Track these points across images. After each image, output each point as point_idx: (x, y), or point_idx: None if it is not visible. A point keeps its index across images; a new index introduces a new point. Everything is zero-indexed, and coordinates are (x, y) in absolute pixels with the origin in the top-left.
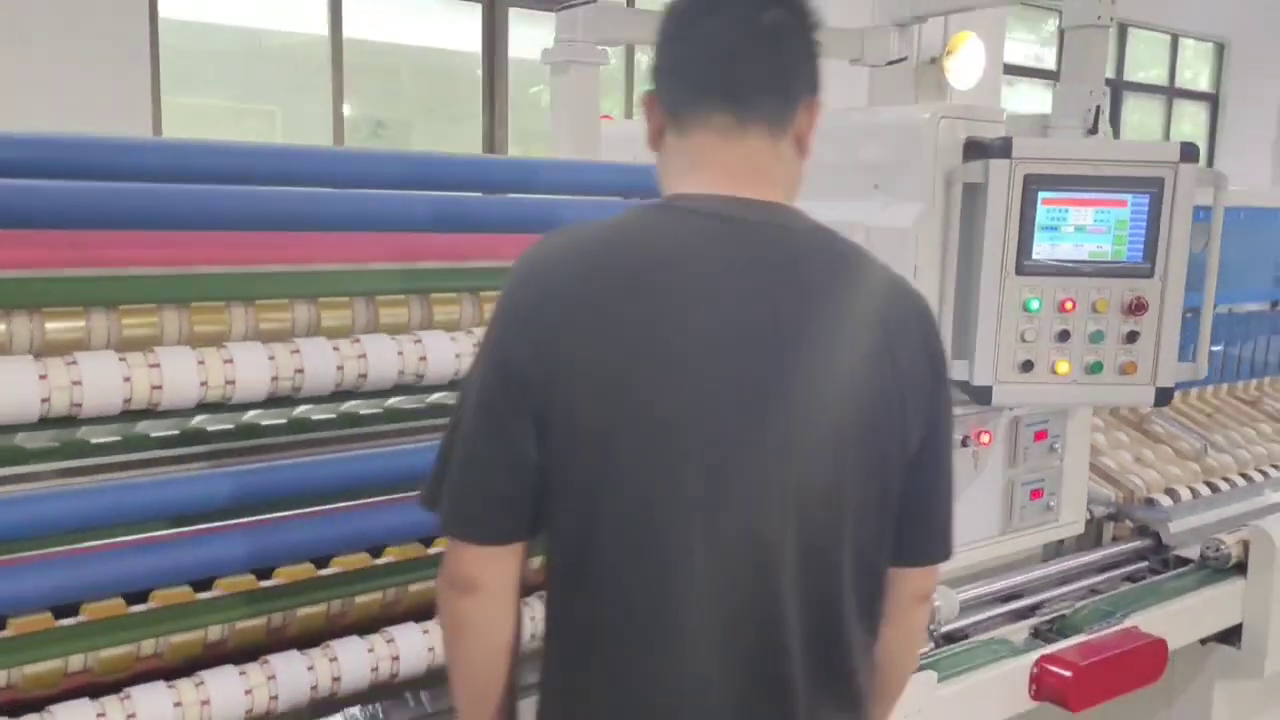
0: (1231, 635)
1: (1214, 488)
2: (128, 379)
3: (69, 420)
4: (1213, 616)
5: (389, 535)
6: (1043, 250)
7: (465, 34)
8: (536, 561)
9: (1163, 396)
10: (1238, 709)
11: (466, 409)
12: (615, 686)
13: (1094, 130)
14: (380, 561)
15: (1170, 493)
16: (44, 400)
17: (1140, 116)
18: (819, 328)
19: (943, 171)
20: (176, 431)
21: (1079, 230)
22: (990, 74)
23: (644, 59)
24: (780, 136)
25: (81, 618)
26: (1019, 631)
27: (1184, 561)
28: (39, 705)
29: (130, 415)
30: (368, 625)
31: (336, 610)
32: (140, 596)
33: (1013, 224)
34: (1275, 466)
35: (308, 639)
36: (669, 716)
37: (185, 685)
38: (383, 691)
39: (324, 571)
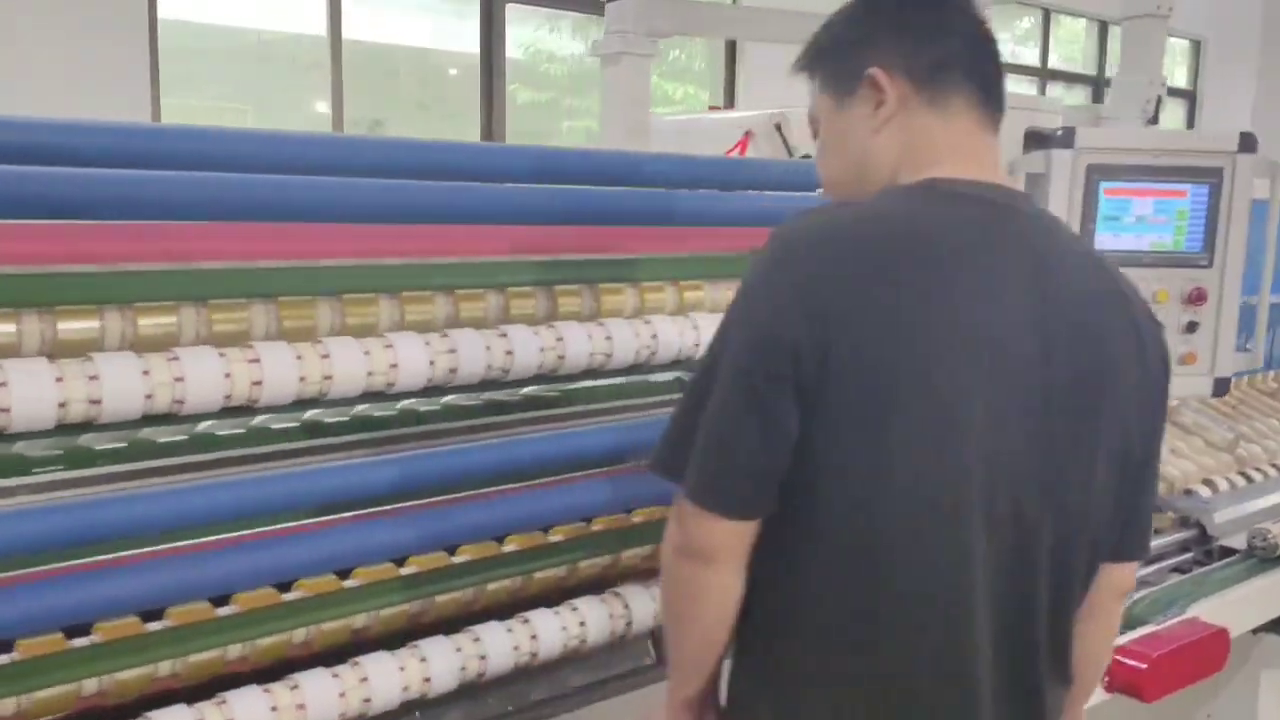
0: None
1: (1248, 478)
2: (304, 377)
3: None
4: (1264, 606)
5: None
6: (1105, 241)
7: (457, 32)
8: None
9: (1220, 387)
10: None
11: (718, 381)
12: (890, 669)
13: (1154, 120)
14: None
15: (1208, 483)
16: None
17: None
18: (1088, 320)
19: (1004, 162)
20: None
21: (1140, 221)
22: None
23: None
24: (999, 127)
25: (235, 608)
26: None
27: (1230, 552)
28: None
29: (301, 404)
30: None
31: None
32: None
33: (1075, 214)
34: None
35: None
36: (935, 699)
37: (346, 672)
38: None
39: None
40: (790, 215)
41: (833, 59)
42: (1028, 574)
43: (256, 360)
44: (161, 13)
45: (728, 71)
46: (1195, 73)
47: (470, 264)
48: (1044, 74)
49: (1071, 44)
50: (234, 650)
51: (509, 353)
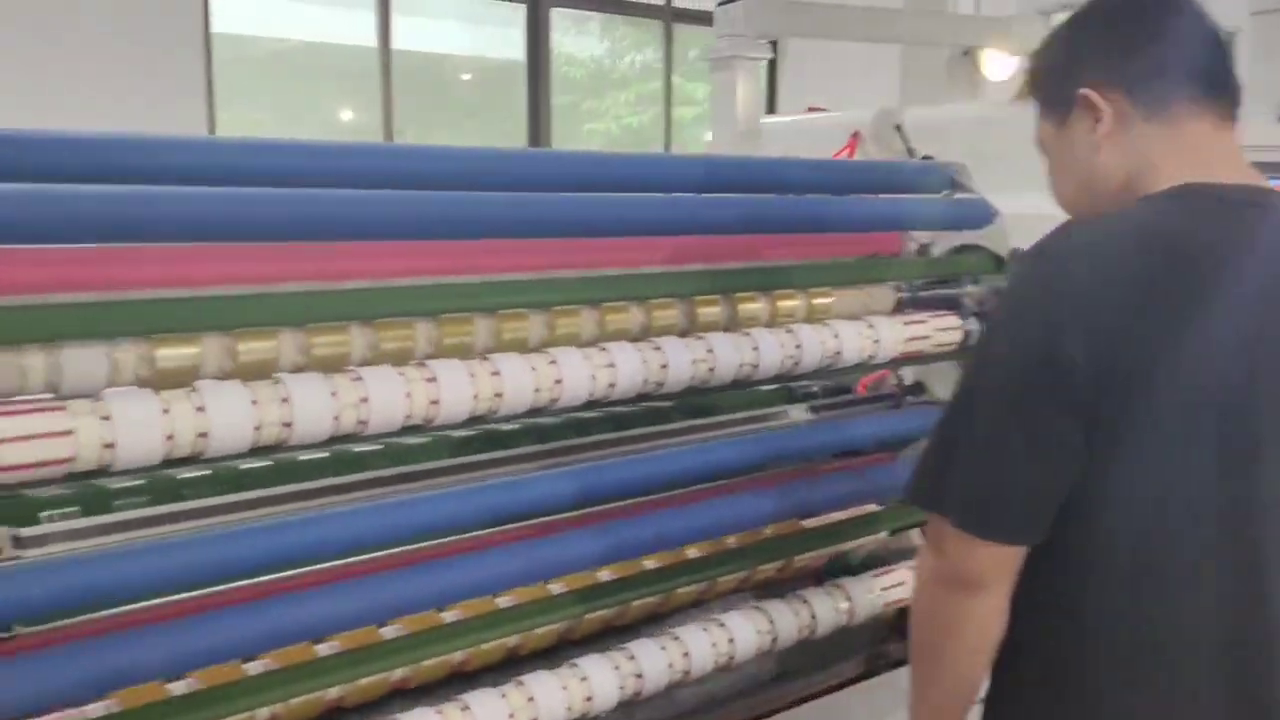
0: None
1: None
2: (476, 396)
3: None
4: None
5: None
6: None
7: (503, 40)
8: None
9: None
10: None
11: (983, 404)
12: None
13: None
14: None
15: None
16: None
17: None
18: None
19: None
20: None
21: None
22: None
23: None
24: (1234, 122)
25: (456, 615)
26: None
27: None
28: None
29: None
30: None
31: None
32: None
33: None
34: None
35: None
36: None
37: (567, 674)
38: None
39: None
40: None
41: (1047, 82)
42: (1265, 604)
43: (433, 380)
44: (213, 27)
45: (770, 72)
46: None
47: (620, 276)
48: None
49: None
50: (397, 672)
51: (664, 366)
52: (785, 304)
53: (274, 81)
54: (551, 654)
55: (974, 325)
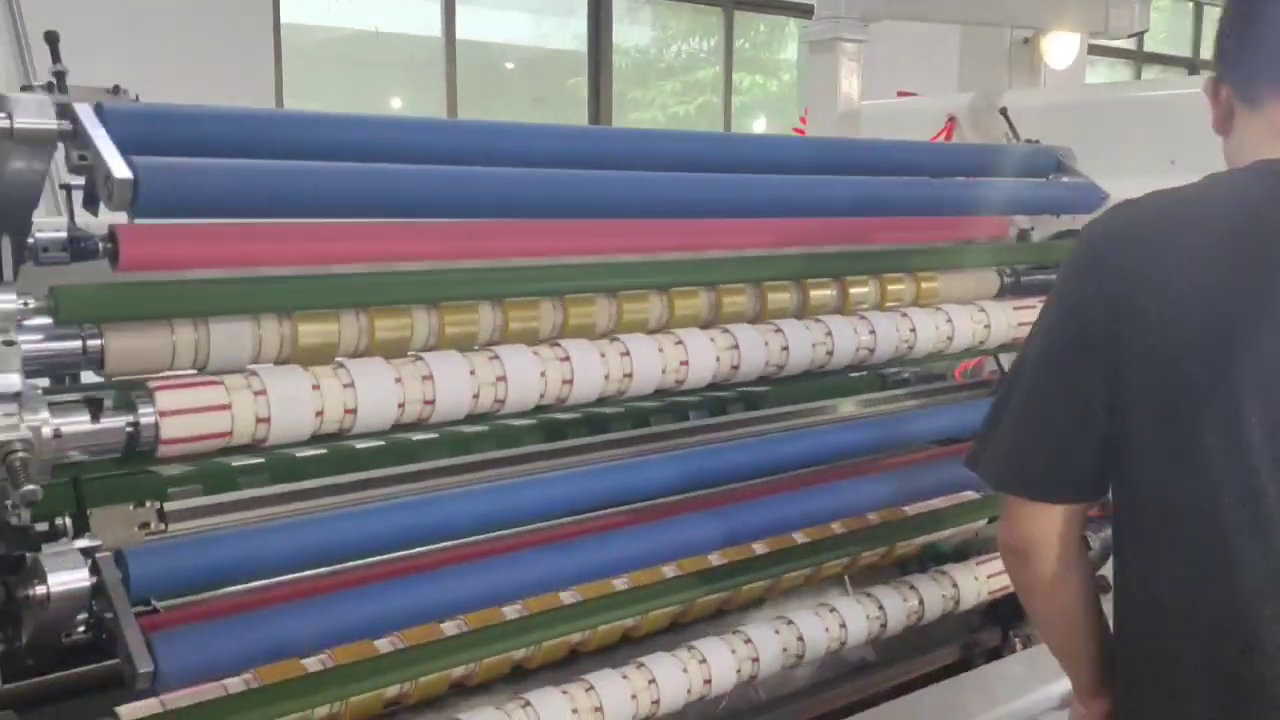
0: None
1: None
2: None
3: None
4: None
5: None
6: None
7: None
8: None
9: None
10: None
11: (1027, 370)
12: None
13: None
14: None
15: None
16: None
17: None
18: None
19: None
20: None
21: None
22: (1079, 54)
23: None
24: None
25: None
26: None
27: None
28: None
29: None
30: None
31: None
32: None
33: None
34: None
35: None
36: None
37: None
38: None
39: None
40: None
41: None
42: None
43: (566, 359)
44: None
45: None
46: None
47: (736, 259)
48: (1140, 57)
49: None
50: (519, 652)
51: (784, 348)
52: (894, 288)
53: (339, 71)
54: (668, 635)
55: None
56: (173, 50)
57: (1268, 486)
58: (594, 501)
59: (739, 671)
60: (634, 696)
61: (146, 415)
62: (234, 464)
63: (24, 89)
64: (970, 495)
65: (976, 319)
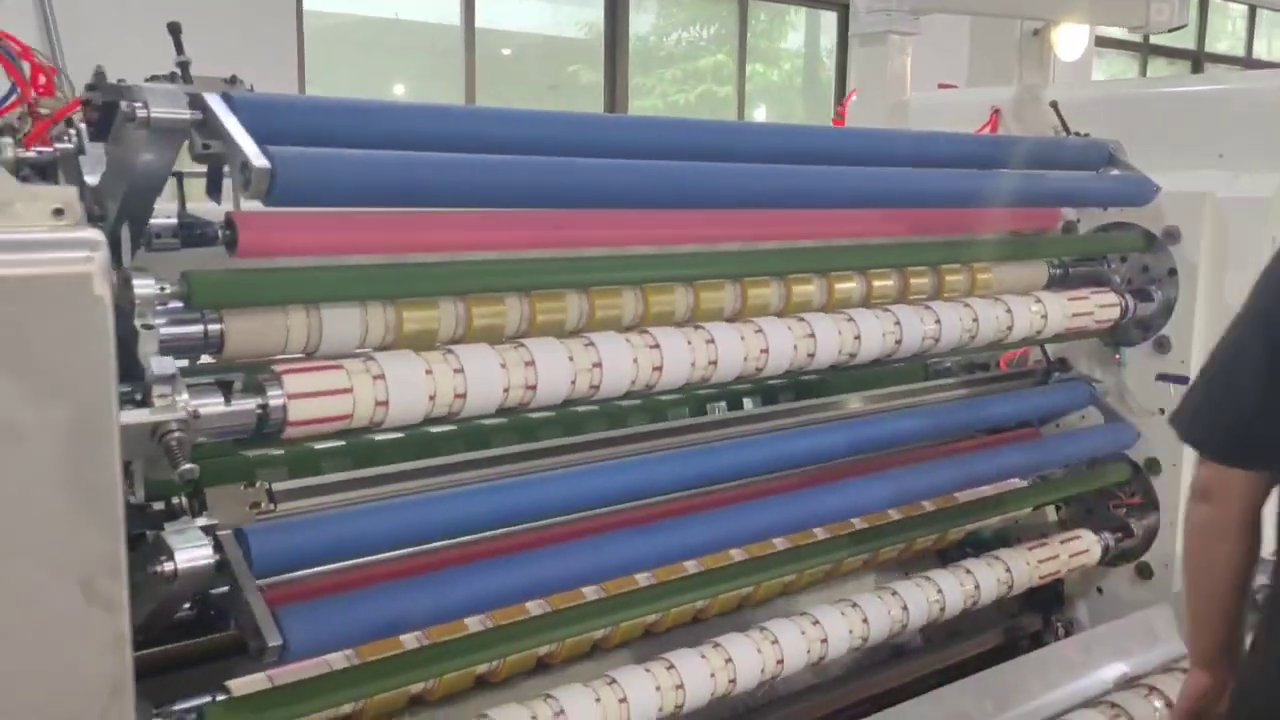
0: None
1: None
2: (693, 364)
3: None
4: None
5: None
6: None
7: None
8: None
9: None
10: None
11: (1228, 337)
12: None
13: None
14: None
15: None
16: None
17: None
18: None
19: None
20: None
21: None
22: (1088, 47)
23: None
24: None
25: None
26: None
27: None
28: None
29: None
30: None
31: None
32: None
33: None
34: None
35: None
36: None
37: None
38: None
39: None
40: None
41: None
42: None
43: (656, 346)
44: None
45: (840, 53)
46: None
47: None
48: (1145, 50)
49: None
50: (599, 631)
51: (857, 337)
52: (952, 278)
53: (358, 56)
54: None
55: (1130, 301)
56: (197, 35)
57: None
58: (674, 485)
59: (809, 652)
60: (712, 675)
61: (275, 398)
62: (316, 448)
63: (152, 79)
64: (1017, 483)
65: (1034, 309)
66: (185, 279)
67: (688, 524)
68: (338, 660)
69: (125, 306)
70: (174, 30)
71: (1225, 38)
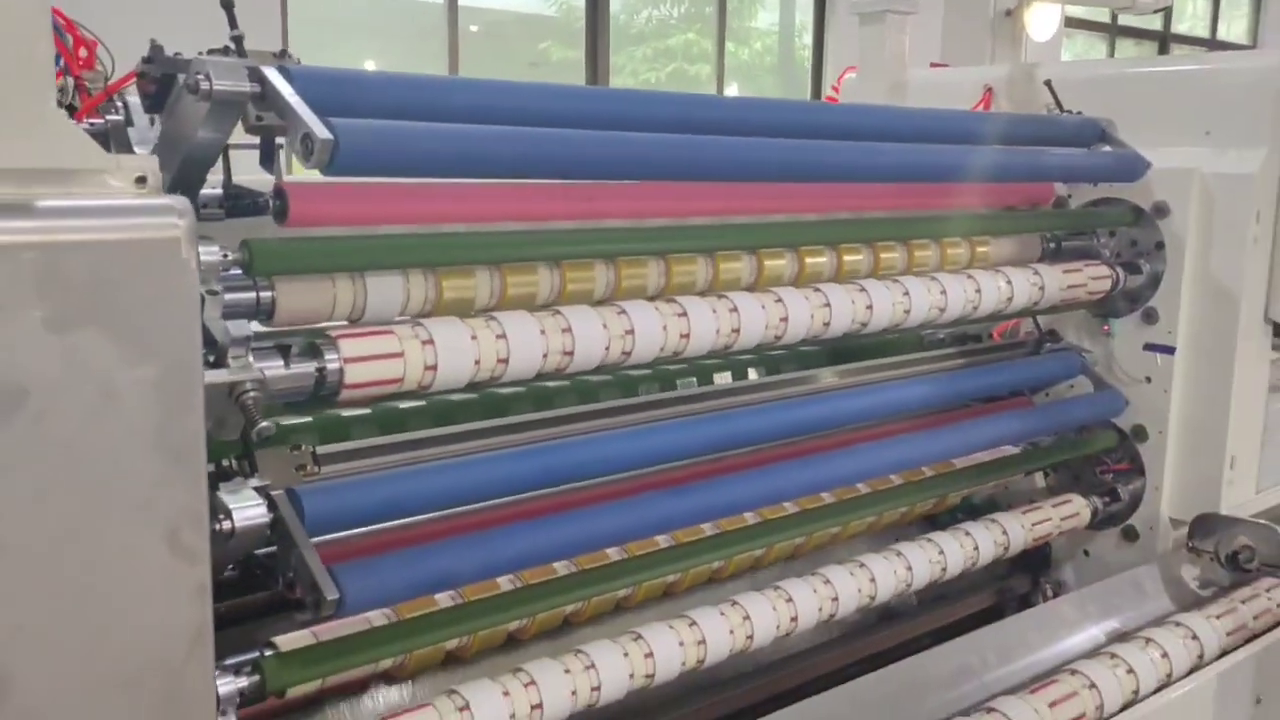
0: None
1: None
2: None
3: None
4: None
5: None
6: None
7: None
8: None
9: None
10: None
11: None
12: None
13: None
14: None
15: None
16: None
17: None
18: None
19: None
20: None
21: None
22: (1059, 27)
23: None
24: None
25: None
26: None
27: None
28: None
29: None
30: None
31: None
32: None
33: None
34: None
35: None
36: None
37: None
38: None
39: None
40: None
41: None
42: None
43: (683, 315)
44: None
45: (817, 33)
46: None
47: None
48: (1114, 31)
49: None
50: (622, 591)
51: (869, 307)
52: (953, 251)
53: (341, 33)
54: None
55: (1120, 273)
56: (180, 9)
57: None
58: (690, 451)
59: (820, 610)
60: (731, 632)
61: (332, 361)
62: (344, 415)
63: (211, 52)
64: (1010, 450)
65: (1033, 281)
66: (245, 246)
67: (706, 488)
68: (377, 619)
69: None
70: (227, 6)
71: (1187, 19)
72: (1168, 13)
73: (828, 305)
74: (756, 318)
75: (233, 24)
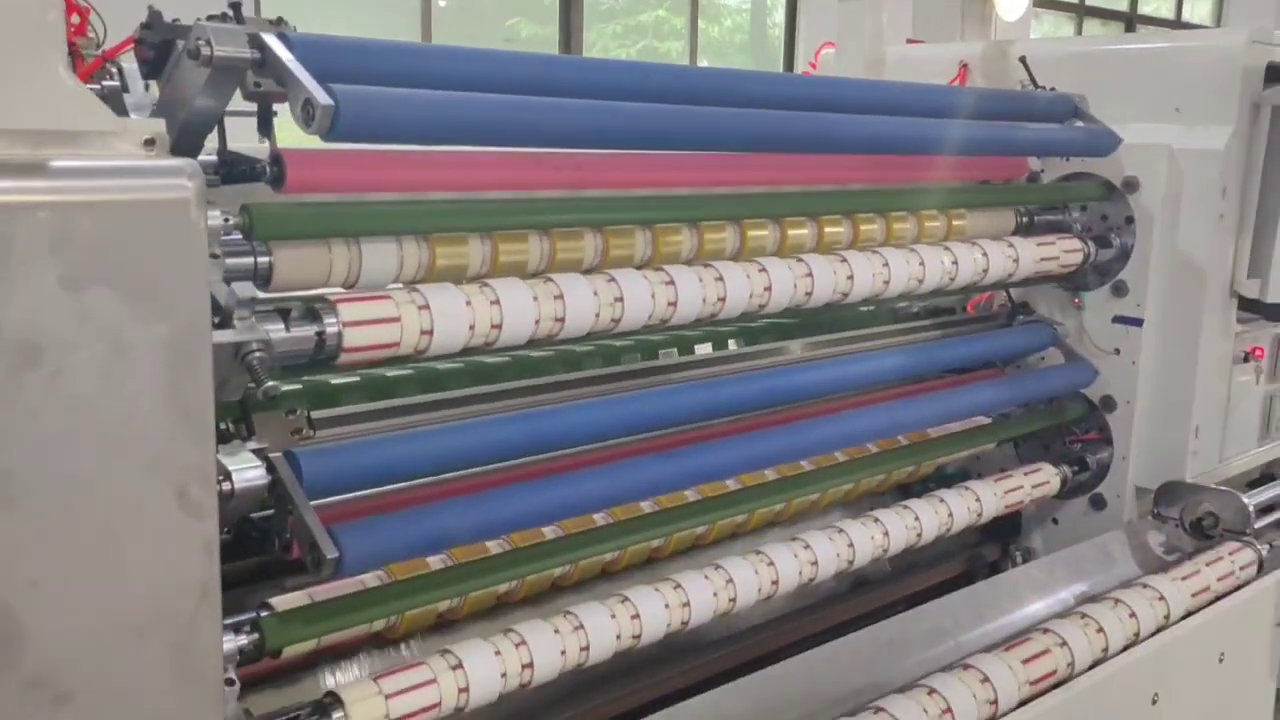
0: None
1: None
2: (705, 298)
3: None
4: None
5: None
6: None
7: None
8: None
9: None
10: None
11: None
12: None
13: None
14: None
15: None
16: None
17: None
18: None
19: (1250, 95)
20: None
21: None
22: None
23: None
24: None
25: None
26: None
27: None
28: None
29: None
30: None
31: None
32: None
33: None
34: None
35: None
36: None
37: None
38: None
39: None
40: None
41: None
42: None
43: (671, 283)
44: None
45: (789, 13)
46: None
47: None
48: (1081, 11)
49: None
50: (608, 555)
51: (850, 277)
52: (931, 224)
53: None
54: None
55: (1091, 247)
56: None
57: None
58: (681, 417)
59: (800, 574)
60: (715, 594)
61: (331, 325)
62: (333, 382)
63: (209, 19)
64: (982, 420)
65: (1007, 254)
66: (245, 211)
67: (690, 453)
68: (370, 580)
69: None
70: None
71: (1153, 0)
72: None
73: (810, 275)
74: (742, 286)
75: None
